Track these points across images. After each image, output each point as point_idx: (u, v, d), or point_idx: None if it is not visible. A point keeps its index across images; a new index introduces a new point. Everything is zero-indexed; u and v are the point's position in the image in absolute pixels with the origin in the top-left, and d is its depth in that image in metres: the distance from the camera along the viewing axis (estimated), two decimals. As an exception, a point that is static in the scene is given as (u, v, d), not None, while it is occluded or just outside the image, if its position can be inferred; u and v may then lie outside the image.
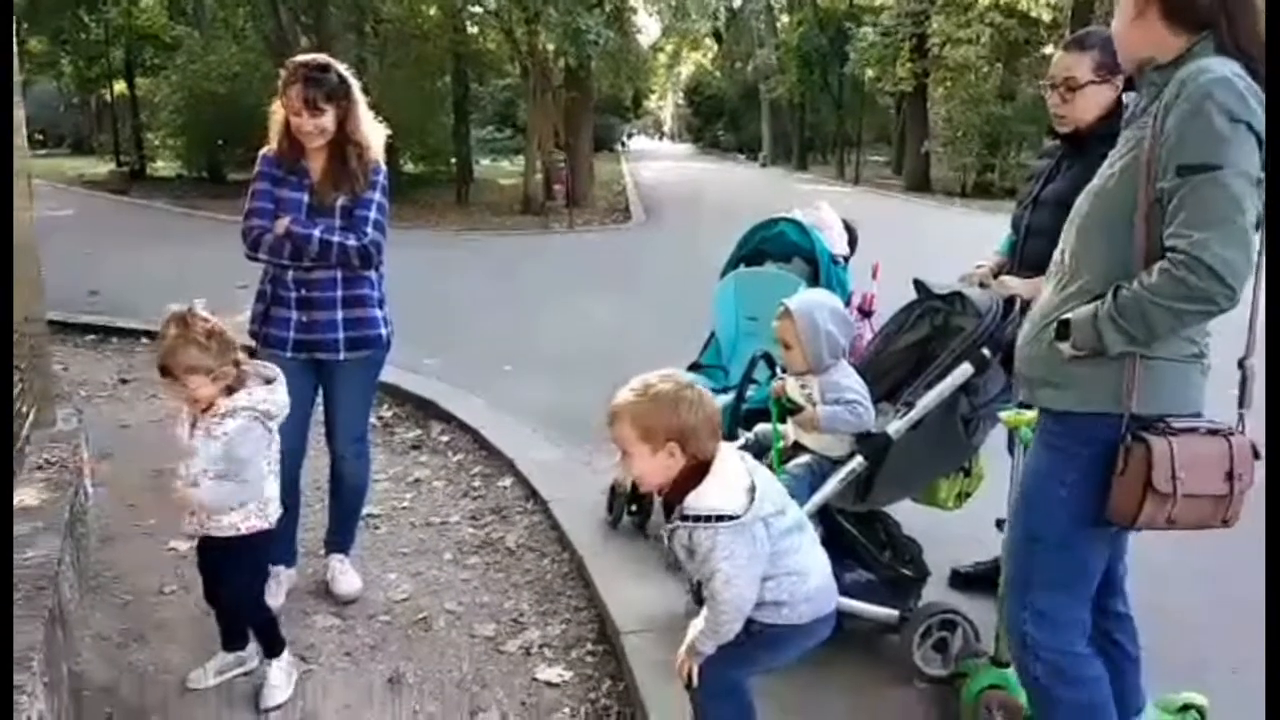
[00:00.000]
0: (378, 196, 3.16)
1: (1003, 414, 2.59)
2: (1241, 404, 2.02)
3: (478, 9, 20.15)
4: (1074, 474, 2.04)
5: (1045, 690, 2.18)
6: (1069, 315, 1.99)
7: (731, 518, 1.98)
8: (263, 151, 3.20)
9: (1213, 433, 1.97)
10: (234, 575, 2.75)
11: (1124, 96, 2.08)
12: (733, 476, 2.04)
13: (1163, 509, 1.92)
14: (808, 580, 2.11)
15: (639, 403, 2.01)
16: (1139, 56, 2.02)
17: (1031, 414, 2.37)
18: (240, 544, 2.68)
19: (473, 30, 21.71)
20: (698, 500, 2.00)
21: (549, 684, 2.88)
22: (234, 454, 2.56)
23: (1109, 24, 2.17)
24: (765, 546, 2.02)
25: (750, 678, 2.23)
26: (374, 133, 3.21)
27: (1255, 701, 2.04)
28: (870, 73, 28.73)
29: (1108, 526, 2.04)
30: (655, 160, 46.20)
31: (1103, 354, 1.94)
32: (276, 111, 3.13)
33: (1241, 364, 2.02)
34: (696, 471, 2.02)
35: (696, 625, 2.14)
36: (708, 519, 1.98)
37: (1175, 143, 1.84)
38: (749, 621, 2.09)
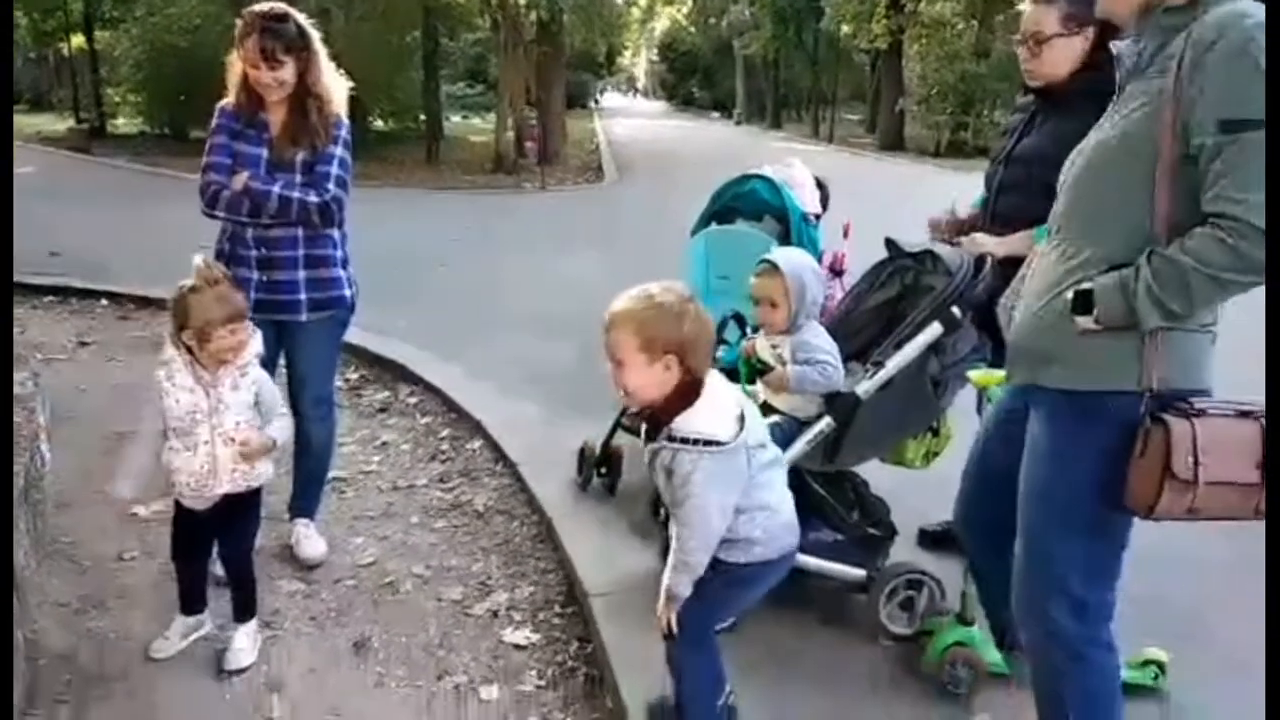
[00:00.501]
0: (339, 151, 3.08)
1: (971, 374, 2.58)
2: None
3: (447, -40, 19.74)
4: (1091, 457, 1.88)
5: (1060, 677, 2.04)
6: (1088, 285, 1.81)
7: (719, 444, 1.95)
8: (220, 104, 3.09)
9: (1243, 414, 1.78)
10: (248, 528, 2.81)
11: (1112, 46, 1.96)
12: (723, 402, 2.01)
13: (1183, 497, 1.75)
14: (779, 515, 2.12)
15: (642, 310, 1.95)
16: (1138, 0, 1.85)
17: (1000, 373, 2.34)
18: (258, 494, 2.76)
19: (442, -17, 21.25)
20: (686, 422, 1.96)
21: (516, 646, 2.87)
22: (264, 397, 2.68)
23: None
24: (744, 476, 2.00)
25: (718, 626, 2.25)
26: (335, 85, 3.11)
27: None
28: (845, 29, 28.55)
29: (1128, 512, 1.89)
30: (629, 118, 45.79)
31: (1133, 328, 1.77)
32: (234, 63, 3.02)
33: None
34: (688, 390, 1.98)
35: (669, 570, 2.12)
36: (695, 443, 1.95)
37: (1215, 94, 1.65)
38: (719, 563, 2.07)
